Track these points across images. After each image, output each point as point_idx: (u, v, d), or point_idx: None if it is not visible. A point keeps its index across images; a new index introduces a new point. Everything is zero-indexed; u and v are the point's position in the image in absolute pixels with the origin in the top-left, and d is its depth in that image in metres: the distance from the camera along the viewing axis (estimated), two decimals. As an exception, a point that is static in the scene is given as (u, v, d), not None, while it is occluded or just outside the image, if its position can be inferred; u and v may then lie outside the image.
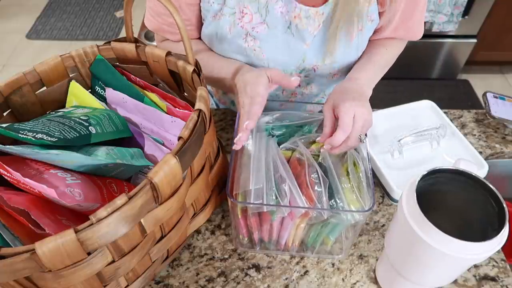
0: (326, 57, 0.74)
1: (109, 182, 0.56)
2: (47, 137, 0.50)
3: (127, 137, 0.62)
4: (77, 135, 0.53)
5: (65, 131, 0.52)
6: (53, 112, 0.61)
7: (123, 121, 0.61)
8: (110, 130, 0.58)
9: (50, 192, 0.46)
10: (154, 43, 0.79)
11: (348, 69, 0.80)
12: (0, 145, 0.50)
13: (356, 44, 0.74)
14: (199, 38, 0.79)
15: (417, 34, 0.80)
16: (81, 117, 0.56)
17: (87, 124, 0.55)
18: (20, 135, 0.50)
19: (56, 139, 0.50)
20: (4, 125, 0.52)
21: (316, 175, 0.60)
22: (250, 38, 0.71)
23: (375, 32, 0.77)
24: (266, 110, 0.70)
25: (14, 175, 0.47)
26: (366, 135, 0.63)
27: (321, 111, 0.70)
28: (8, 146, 0.49)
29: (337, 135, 0.59)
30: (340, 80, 0.83)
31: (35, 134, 0.50)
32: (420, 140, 0.79)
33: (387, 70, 0.78)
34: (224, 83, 0.72)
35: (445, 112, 0.87)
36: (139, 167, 0.59)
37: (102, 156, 0.53)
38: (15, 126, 0.52)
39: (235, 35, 0.70)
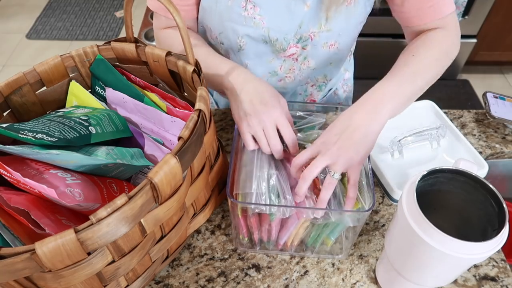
0: (323, 22, 0.73)
1: (109, 182, 0.56)
2: (47, 137, 0.50)
3: (127, 137, 0.62)
4: (77, 135, 0.53)
5: (65, 131, 0.52)
6: (53, 112, 0.61)
7: (123, 121, 0.61)
8: (110, 130, 0.58)
9: (50, 192, 0.46)
10: (154, 43, 0.78)
11: (345, 43, 0.78)
12: (0, 145, 0.50)
13: (354, 13, 0.72)
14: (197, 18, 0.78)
15: (443, 7, 0.67)
16: (81, 117, 0.56)
17: (87, 124, 0.55)
18: (20, 135, 0.50)
19: (56, 139, 0.50)
20: (4, 125, 0.52)
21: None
22: (250, 5, 0.70)
23: (401, 15, 0.72)
24: None
25: (14, 175, 0.47)
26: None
27: (320, 112, 0.70)
28: (8, 146, 0.49)
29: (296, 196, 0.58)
30: (337, 53, 0.81)
31: (35, 134, 0.50)
32: (420, 140, 0.79)
33: (425, 78, 0.63)
34: (217, 82, 0.70)
35: (445, 112, 0.87)
36: (139, 167, 0.59)
37: (102, 156, 0.53)
38: (15, 126, 0.52)
39: (235, 2, 0.70)
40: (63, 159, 0.50)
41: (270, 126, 0.61)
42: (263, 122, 0.61)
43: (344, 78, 0.99)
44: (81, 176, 0.53)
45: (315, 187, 0.60)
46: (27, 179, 0.46)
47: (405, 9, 0.70)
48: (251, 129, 0.62)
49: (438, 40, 0.67)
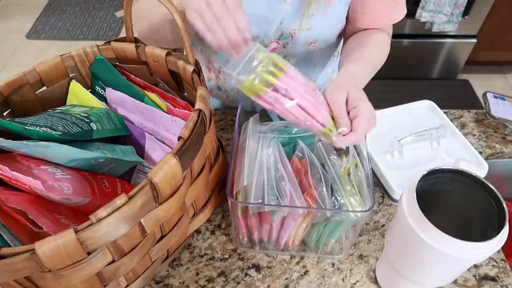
0: (304, 20, 0.73)
1: (100, 178, 0.56)
2: (51, 130, 0.50)
3: (125, 136, 0.62)
4: (80, 130, 0.53)
5: (68, 126, 0.52)
6: (50, 110, 0.60)
7: (121, 120, 0.62)
8: (109, 127, 0.58)
9: (36, 184, 0.46)
10: (154, 43, 0.78)
11: (325, 41, 0.79)
12: None
13: (334, 12, 0.73)
14: None
15: (395, 16, 0.76)
16: (81, 114, 0.56)
17: (88, 121, 0.55)
18: (26, 127, 0.50)
19: (61, 133, 0.50)
20: (7, 119, 0.52)
21: (318, 175, 0.61)
22: None
23: (353, 17, 0.76)
24: (267, 120, 0.70)
25: (2, 169, 0.47)
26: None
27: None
28: None
29: (361, 122, 0.54)
30: (318, 53, 0.81)
31: (38, 127, 0.50)
32: (420, 140, 0.79)
33: (376, 69, 0.74)
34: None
35: (445, 112, 0.87)
36: (130, 163, 0.59)
37: (92, 150, 0.53)
38: (17, 120, 0.52)
39: None
40: (53, 152, 0.50)
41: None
42: None
43: (331, 79, 0.99)
44: (71, 172, 0.53)
45: (309, 193, 0.60)
46: (14, 172, 0.46)
47: (365, 10, 0.74)
48: (195, 9, 0.55)
49: (386, 42, 0.78)
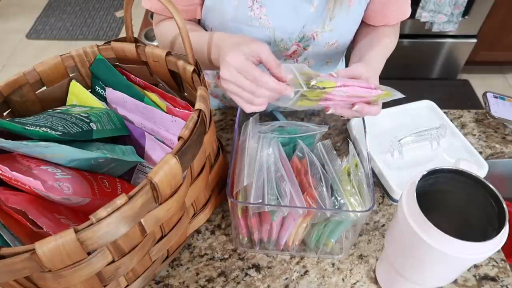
0: (326, 22, 0.74)
1: (100, 178, 0.56)
2: (51, 131, 0.50)
3: (125, 137, 0.62)
4: (80, 130, 0.53)
5: (68, 126, 0.52)
6: (50, 110, 0.60)
7: (121, 119, 0.62)
8: (109, 127, 0.58)
9: (36, 185, 0.46)
10: (154, 43, 0.78)
11: (344, 42, 0.80)
12: None
13: (355, 13, 0.74)
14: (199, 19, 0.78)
15: (406, 12, 0.80)
16: (81, 114, 0.56)
17: (88, 121, 0.55)
18: (26, 127, 0.50)
19: (61, 133, 0.50)
20: (7, 119, 0.52)
21: (319, 175, 0.61)
22: (256, 5, 0.70)
23: (369, 14, 0.78)
24: (267, 120, 0.70)
25: (2, 169, 0.47)
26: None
27: (321, 124, 0.70)
28: None
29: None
30: (336, 52, 0.83)
31: (38, 127, 0.50)
32: (420, 140, 0.79)
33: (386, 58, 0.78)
34: (203, 56, 0.66)
35: (445, 112, 0.87)
36: (130, 163, 0.59)
37: (92, 150, 0.53)
38: (16, 120, 0.52)
39: (241, 2, 0.70)
40: (53, 152, 0.50)
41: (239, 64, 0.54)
42: (229, 66, 0.54)
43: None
44: (71, 172, 0.53)
45: (309, 193, 0.60)
46: (14, 173, 0.46)
47: (385, 9, 0.76)
48: (226, 83, 0.56)
49: (396, 37, 0.81)
